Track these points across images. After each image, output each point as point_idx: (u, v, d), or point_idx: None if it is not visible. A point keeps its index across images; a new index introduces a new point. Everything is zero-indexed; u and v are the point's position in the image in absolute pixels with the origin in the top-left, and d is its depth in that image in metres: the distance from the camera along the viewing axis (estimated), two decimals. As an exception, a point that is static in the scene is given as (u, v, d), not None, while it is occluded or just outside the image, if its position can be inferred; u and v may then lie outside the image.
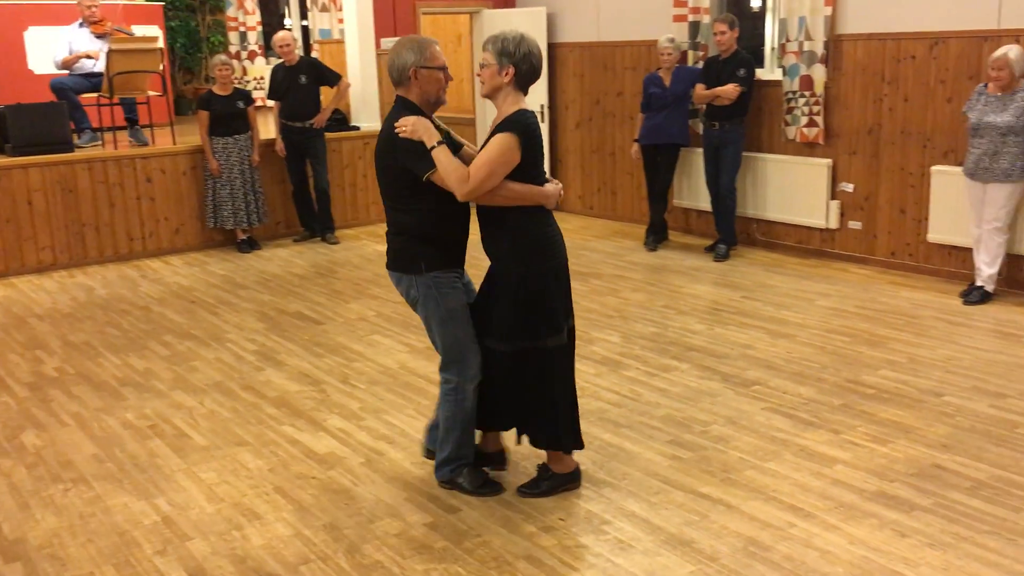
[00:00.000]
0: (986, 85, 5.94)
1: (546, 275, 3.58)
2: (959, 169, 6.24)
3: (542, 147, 3.55)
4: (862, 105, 6.97)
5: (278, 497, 3.77)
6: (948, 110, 6.46)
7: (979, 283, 6.10)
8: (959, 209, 6.35)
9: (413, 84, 3.48)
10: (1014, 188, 5.88)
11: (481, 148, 3.46)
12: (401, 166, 3.46)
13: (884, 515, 3.47)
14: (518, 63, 3.44)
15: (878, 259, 7.05)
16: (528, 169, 3.46)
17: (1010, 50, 5.74)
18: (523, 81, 3.48)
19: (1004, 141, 5.79)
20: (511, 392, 3.66)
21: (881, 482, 3.73)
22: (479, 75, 3.53)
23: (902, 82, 6.70)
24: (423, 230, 3.54)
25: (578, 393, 4.74)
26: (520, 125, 3.40)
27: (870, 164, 6.99)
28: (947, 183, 6.47)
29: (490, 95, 3.51)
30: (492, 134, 3.44)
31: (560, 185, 3.66)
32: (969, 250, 6.32)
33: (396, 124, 3.42)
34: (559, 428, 3.68)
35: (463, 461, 3.79)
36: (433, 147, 3.37)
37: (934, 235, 6.64)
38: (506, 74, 3.44)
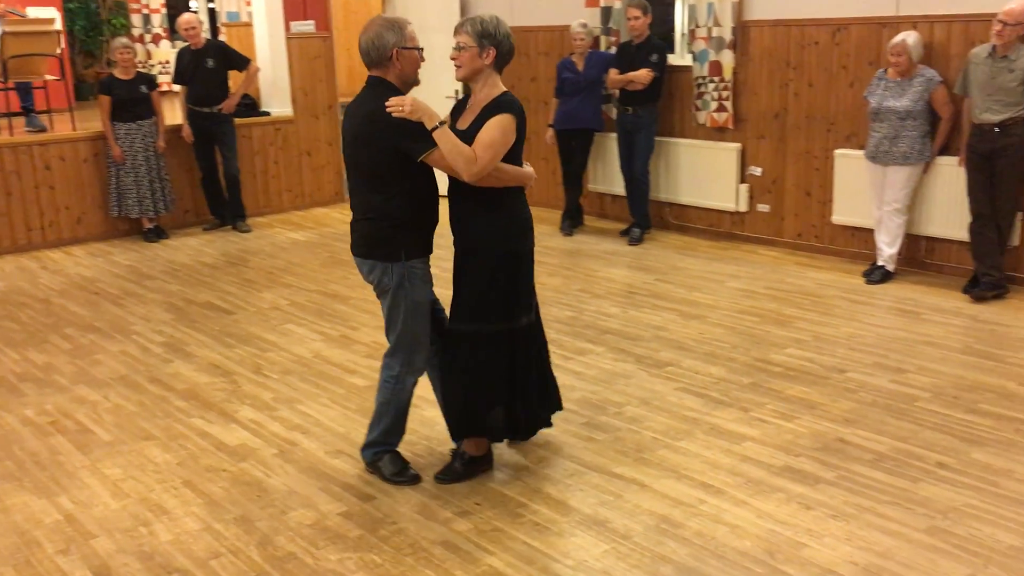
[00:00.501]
0: (886, 70, 6.13)
1: (527, 255, 3.63)
2: (861, 152, 6.43)
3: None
4: (769, 90, 7.12)
5: (187, 491, 3.68)
6: (850, 95, 6.65)
7: (880, 263, 6.31)
8: (861, 191, 6.55)
9: (393, 64, 3.43)
10: (913, 171, 6.09)
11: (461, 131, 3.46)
12: (391, 146, 3.36)
13: (790, 489, 3.57)
14: (499, 44, 3.45)
15: (786, 241, 7.23)
16: (517, 150, 3.49)
17: (908, 36, 5.93)
18: (502, 62, 3.49)
19: (903, 125, 5.99)
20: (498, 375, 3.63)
21: (788, 457, 3.83)
22: (455, 59, 3.48)
23: (806, 68, 6.87)
24: (402, 215, 3.46)
25: (494, 378, 4.74)
26: (515, 106, 3.43)
27: (777, 148, 7.16)
28: (850, 166, 6.66)
29: (468, 78, 3.49)
30: (483, 116, 3.42)
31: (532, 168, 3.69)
32: (871, 231, 6.53)
33: (388, 103, 3.32)
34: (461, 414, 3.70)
35: (387, 447, 3.77)
36: (436, 127, 3.32)
37: (838, 217, 6.83)
38: (487, 56, 3.44)
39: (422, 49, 3.51)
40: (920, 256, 6.47)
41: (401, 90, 3.46)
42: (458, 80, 3.57)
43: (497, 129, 3.36)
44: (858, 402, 4.36)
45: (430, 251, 3.62)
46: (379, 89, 3.43)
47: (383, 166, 3.41)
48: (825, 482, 3.61)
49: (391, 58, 3.42)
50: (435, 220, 3.59)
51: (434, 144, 3.32)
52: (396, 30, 3.41)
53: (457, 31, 3.49)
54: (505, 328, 3.58)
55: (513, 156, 3.48)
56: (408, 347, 3.62)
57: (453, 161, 3.33)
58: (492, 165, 3.36)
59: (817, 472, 3.69)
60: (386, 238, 3.49)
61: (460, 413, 3.70)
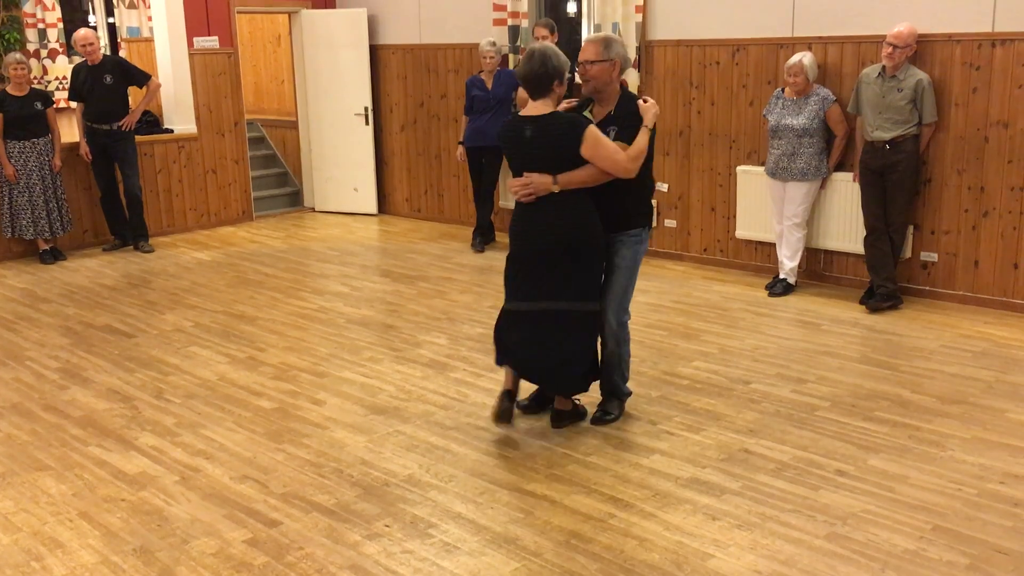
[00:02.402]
0: (783, 89, 6.33)
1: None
2: (762, 169, 6.62)
3: (514, 146, 4.14)
4: (673, 108, 7.28)
5: (83, 523, 3.54)
6: (750, 113, 6.85)
7: (782, 276, 6.49)
8: (763, 207, 6.74)
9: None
10: (811, 186, 6.30)
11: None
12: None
13: (697, 500, 3.63)
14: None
15: (692, 255, 7.39)
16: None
17: (804, 56, 6.15)
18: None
19: (801, 142, 6.19)
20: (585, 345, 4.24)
21: (695, 469, 3.89)
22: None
23: (708, 86, 7.04)
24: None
25: (405, 397, 4.73)
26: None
27: (682, 164, 7.31)
28: (751, 182, 6.85)
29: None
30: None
31: None
32: (773, 245, 6.72)
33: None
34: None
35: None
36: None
37: (741, 231, 7.01)
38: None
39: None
40: (819, 269, 6.68)
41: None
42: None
43: (644, 139, 4.07)
44: (761, 412, 4.46)
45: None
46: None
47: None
48: (730, 492, 3.68)
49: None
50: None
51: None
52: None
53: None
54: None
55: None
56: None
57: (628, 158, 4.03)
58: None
59: (723, 483, 3.76)
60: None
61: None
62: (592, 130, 3.95)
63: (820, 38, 6.38)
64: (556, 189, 4.00)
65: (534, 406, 4.48)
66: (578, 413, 4.40)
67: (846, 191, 6.33)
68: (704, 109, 7.10)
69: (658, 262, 7.43)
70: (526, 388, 4.46)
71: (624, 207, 4.15)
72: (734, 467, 3.90)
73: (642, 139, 4.01)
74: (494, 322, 5.98)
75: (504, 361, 4.32)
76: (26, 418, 4.57)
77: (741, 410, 4.49)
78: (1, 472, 3.98)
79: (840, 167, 6.36)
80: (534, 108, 4.02)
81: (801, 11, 6.45)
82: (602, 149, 3.94)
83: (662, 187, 7.44)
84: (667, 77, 7.25)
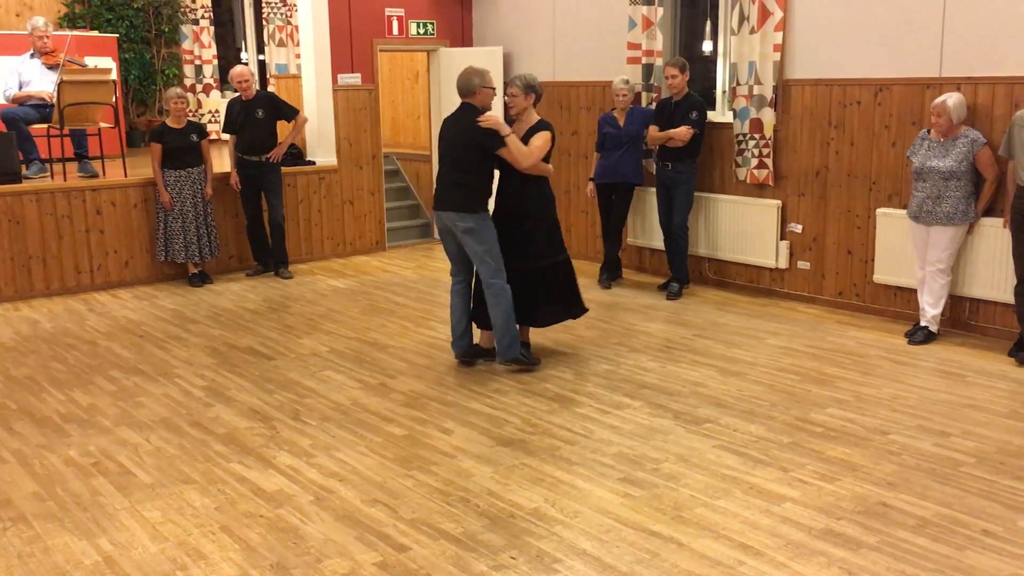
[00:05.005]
0: (928, 131, 6.12)
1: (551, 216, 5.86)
2: (903, 212, 6.40)
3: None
4: (810, 148, 7.14)
5: (224, 536, 3.70)
6: (892, 154, 6.64)
7: (923, 323, 6.23)
8: (904, 251, 6.50)
9: (477, 96, 5.52)
10: (956, 231, 6.04)
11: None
12: (476, 144, 5.44)
13: (832, 553, 3.51)
14: (539, 92, 5.73)
15: (826, 299, 7.18)
16: (550, 154, 5.71)
17: (949, 97, 5.93)
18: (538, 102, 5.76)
19: (946, 185, 5.96)
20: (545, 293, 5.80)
21: (829, 520, 3.77)
22: (510, 101, 5.67)
23: (848, 126, 6.88)
24: (482, 185, 5.53)
25: (531, 430, 4.77)
26: (551, 126, 5.70)
27: (818, 206, 7.15)
28: (892, 225, 6.63)
29: (517, 116, 5.70)
30: (530, 134, 5.59)
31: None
32: (914, 291, 6.47)
33: (479, 119, 5.45)
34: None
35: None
36: (507, 135, 5.44)
37: (880, 276, 6.78)
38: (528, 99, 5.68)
39: (495, 88, 5.71)
40: (964, 318, 6.39)
41: (481, 112, 5.53)
42: (511, 117, 5.76)
43: (542, 140, 5.58)
44: (901, 465, 4.29)
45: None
46: (469, 110, 5.53)
47: (470, 155, 5.49)
48: (867, 547, 3.55)
49: (475, 92, 5.51)
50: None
51: (505, 144, 5.44)
52: (480, 75, 5.53)
53: (509, 85, 5.70)
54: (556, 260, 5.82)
55: (549, 156, 5.69)
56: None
57: (518, 155, 5.47)
58: (538, 159, 5.56)
59: (859, 536, 3.63)
60: (472, 197, 5.50)
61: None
62: (511, 140, 5.50)
63: (970, 79, 6.15)
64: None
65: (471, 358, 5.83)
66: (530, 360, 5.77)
67: (995, 237, 6.05)
68: (843, 150, 6.93)
69: (789, 304, 7.26)
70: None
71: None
72: (872, 521, 3.75)
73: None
74: (618, 358, 5.98)
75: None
76: (174, 432, 4.82)
77: (879, 461, 4.33)
78: (151, 483, 4.22)
79: (989, 212, 6.08)
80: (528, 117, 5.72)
81: (950, 50, 6.24)
82: (510, 148, 5.51)
83: (796, 228, 7.28)
84: (804, 116, 7.12)
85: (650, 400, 5.18)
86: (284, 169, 8.61)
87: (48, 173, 8.23)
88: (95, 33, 10.95)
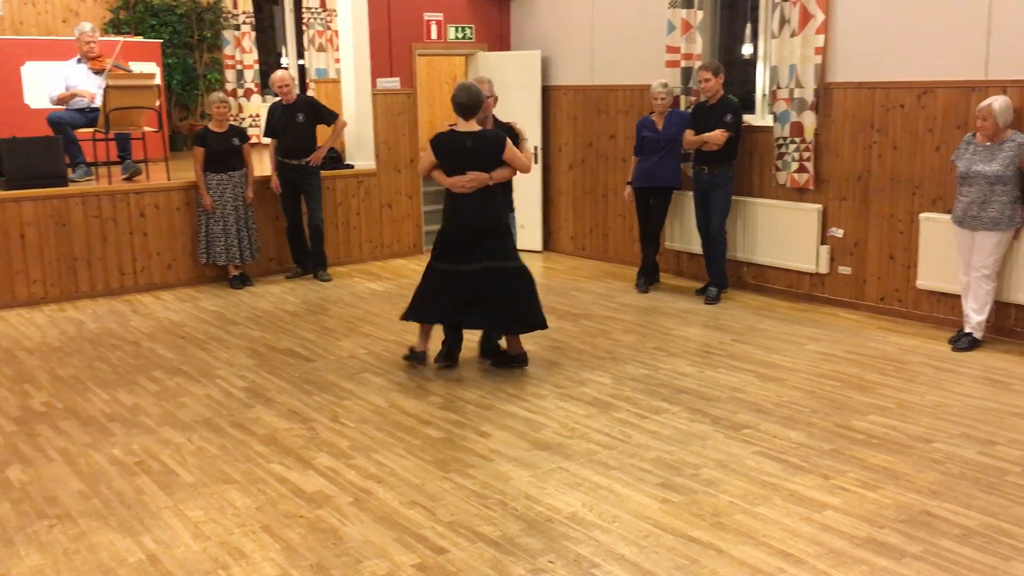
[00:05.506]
0: (974, 134, 6.03)
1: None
2: (947, 216, 6.31)
3: (454, 153, 5.55)
4: (852, 152, 7.06)
5: (265, 536, 3.74)
6: (936, 158, 6.55)
7: (968, 330, 6.13)
8: (948, 256, 6.40)
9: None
10: (1002, 236, 5.94)
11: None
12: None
13: (874, 562, 3.46)
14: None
15: (867, 304, 7.10)
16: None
17: (995, 101, 5.84)
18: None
19: (992, 190, 5.86)
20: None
21: (871, 528, 3.72)
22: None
23: (891, 130, 6.79)
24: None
25: (568, 434, 4.76)
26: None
27: (860, 210, 7.06)
28: (936, 230, 6.53)
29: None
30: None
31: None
32: (958, 297, 6.37)
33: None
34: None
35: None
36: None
37: (923, 281, 6.69)
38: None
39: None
40: (1009, 324, 6.27)
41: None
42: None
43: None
44: (945, 474, 4.22)
45: None
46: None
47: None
48: (911, 556, 3.50)
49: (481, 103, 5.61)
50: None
51: None
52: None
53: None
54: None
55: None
56: None
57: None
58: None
59: (902, 545, 3.58)
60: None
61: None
62: (509, 141, 5.59)
63: (1016, 81, 6.05)
64: (492, 182, 5.55)
65: (449, 361, 5.90)
66: (522, 357, 5.87)
67: (1042, 242, 5.94)
68: (886, 153, 6.84)
69: (829, 310, 7.18)
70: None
71: (506, 197, 5.87)
72: (915, 530, 3.70)
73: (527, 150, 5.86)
74: (656, 362, 5.95)
75: (436, 319, 5.80)
76: (216, 433, 4.89)
77: (922, 470, 4.26)
78: (193, 482, 4.27)
79: (1036, 217, 5.97)
80: (468, 126, 5.51)
81: (996, 52, 6.14)
82: (512, 152, 5.59)
83: (837, 232, 7.21)
84: (846, 120, 7.05)
85: (688, 405, 5.15)
86: (323, 173, 8.68)
87: (93, 176, 8.37)
88: (139, 39, 11.14)
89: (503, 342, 5.97)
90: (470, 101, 5.49)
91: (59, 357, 6.28)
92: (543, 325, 5.80)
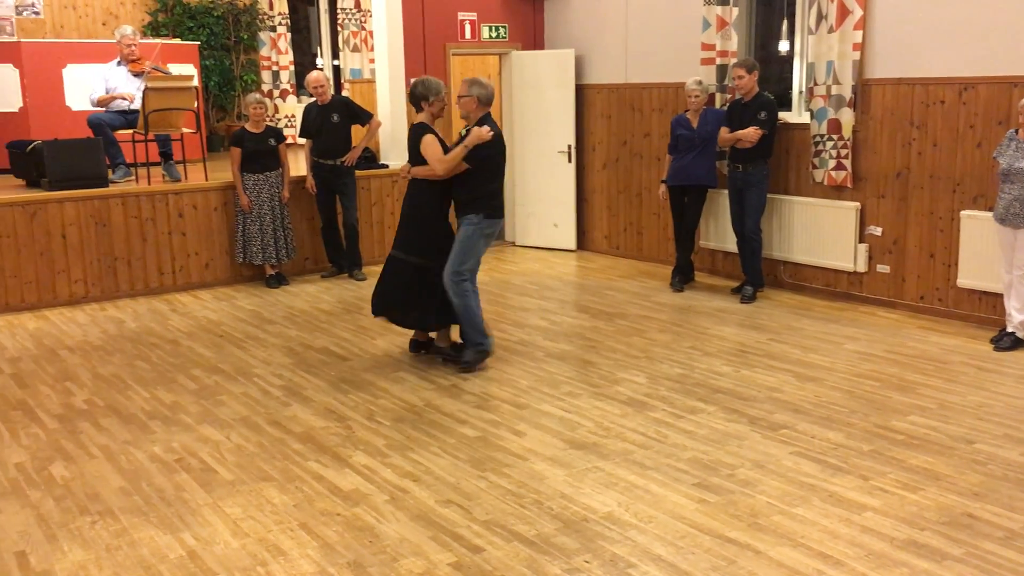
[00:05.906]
0: (1016, 131, 5.93)
1: None
2: (989, 214, 6.20)
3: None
4: (890, 149, 6.97)
5: (303, 533, 3.77)
6: (977, 155, 6.45)
7: (1010, 329, 6.03)
8: (989, 254, 6.30)
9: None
10: (1045, 234, 5.83)
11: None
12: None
13: (915, 564, 3.42)
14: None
15: (907, 303, 7.00)
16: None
17: (1040, 96, 5.73)
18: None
19: (1035, 186, 5.76)
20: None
21: (912, 530, 3.67)
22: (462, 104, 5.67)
23: (931, 126, 6.70)
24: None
25: (604, 434, 4.74)
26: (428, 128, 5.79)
27: (899, 208, 6.97)
28: (977, 228, 6.43)
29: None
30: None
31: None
32: (999, 296, 6.26)
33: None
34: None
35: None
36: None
37: (964, 280, 6.59)
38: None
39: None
40: (1054, 323, 6.15)
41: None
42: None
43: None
44: (987, 475, 4.15)
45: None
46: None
47: None
48: (952, 559, 3.45)
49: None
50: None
51: None
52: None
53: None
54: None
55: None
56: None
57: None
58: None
59: (944, 548, 3.53)
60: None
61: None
62: (428, 137, 5.56)
63: (1061, 75, 5.94)
64: (406, 176, 5.84)
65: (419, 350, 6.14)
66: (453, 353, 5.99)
67: (1088, 240, 5.82)
68: (925, 150, 6.75)
69: (868, 308, 7.09)
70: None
71: (458, 199, 5.74)
72: (957, 532, 3.65)
73: (454, 151, 5.52)
74: (692, 362, 5.92)
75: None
76: (253, 431, 4.93)
77: (964, 471, 4.20)
78: (232, 480, 4.32)
79: (1081, 214, 5.85)
80: (415, 119, 5.73)
81: (1039, 47, 6.04)
82: (427, 150, 5.55)
83: (875, 231, 7.12)
84: (885, 117, 6.96)
85: (724, 405, 5.12)
86: (358, 172, 8.73)
87: (133, 177, 8.49)
88: (178, 41, 11.28)
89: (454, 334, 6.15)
90: (409, 95, 5.88)
91: (100, 356, 6.38)
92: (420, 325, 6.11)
